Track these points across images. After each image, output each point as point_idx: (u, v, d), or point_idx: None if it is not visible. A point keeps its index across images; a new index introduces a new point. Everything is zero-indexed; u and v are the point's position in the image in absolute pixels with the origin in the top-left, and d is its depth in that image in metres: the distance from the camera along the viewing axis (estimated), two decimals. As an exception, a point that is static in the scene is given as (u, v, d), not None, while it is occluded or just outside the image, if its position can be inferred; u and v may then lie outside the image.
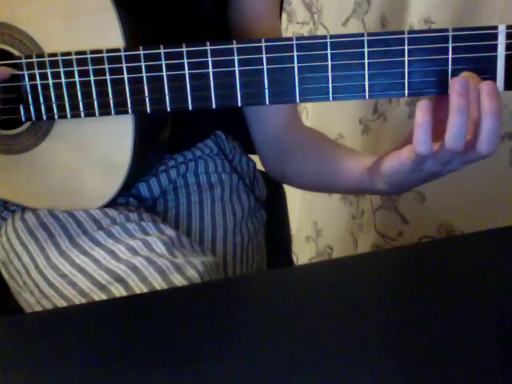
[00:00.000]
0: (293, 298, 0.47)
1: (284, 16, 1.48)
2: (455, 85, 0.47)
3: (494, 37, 0.48)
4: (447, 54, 0.49)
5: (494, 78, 0.49)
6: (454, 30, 0.49)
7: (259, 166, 0.84)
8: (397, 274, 0.50)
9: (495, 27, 0.48)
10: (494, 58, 0.49)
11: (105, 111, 0.58)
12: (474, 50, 0.49)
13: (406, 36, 0.49)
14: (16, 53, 0.60)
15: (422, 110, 0.47)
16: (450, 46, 0.49)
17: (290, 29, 1.49)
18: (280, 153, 0.74)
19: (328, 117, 1.33)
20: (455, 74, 0.49)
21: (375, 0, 1.13)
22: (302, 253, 1.53)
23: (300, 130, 0.76)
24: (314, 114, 1.41)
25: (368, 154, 0.62)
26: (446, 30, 0.49)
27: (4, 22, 0.61)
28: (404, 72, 0.50)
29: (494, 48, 0.48)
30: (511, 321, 0.42)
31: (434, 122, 0.47)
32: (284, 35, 1.45)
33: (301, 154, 0.72)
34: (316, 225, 1.47)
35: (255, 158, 0.83)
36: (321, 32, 1.31)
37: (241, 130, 0.78)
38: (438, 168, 0.51)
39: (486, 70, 0.49)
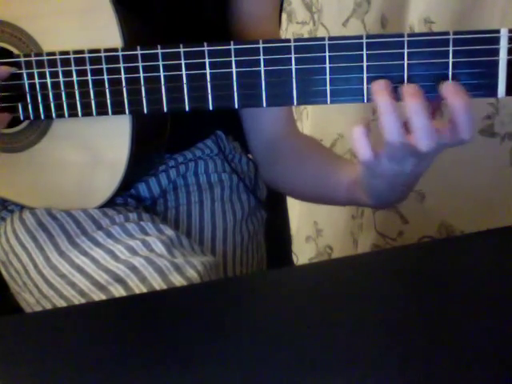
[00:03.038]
0: (293, 298, 0.47)
1: (284, 16, 1.48)
2: (374, 86, 0.48)
3: (496, 41, 0.47)
4: (447, 58, 0.48)
5: (495, 83, 0.48)
6: (455, 33, 0.48)
7: (259, 167, 0.84)
8: (397, 274, 0.50)
9: (497, 31, 0.47)
10: (496, 63, 0.47)
11: (102, 111, 0.58)
12: (475, 54, 0.48)
13: (405, 39, 0.48)
14: (15, 51, 0.61)
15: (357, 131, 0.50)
16: (451, 49, 0.48)
17: (289, 29, 1.48)
18: (273, 159, 0.75)
19: (328, 117, 1.33)
20: (455, 77, 0.48)
21: (375, 0, 1.13)
22: (302, 253, 1.52)
23: (296, 137, 0.76)
24: (314, 115, 1.41)
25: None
26: (447, 34, 0.48)
27: (4, 21, 0.61)
28: (403, 75, 0.49)
29: (496, 52, 0.47)
30: (511, 320, 0.42)
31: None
32: (284, 35, 1.45)
33: (293, 164, 0.72)
34: (316, 225, 1.47)
35: (255, 158, 0.83)
36: (321, 32, 1.31)
37: (241, 131, 0.78)
38: (396, 167, 0.52)
39: (486, 75, 0.48)
